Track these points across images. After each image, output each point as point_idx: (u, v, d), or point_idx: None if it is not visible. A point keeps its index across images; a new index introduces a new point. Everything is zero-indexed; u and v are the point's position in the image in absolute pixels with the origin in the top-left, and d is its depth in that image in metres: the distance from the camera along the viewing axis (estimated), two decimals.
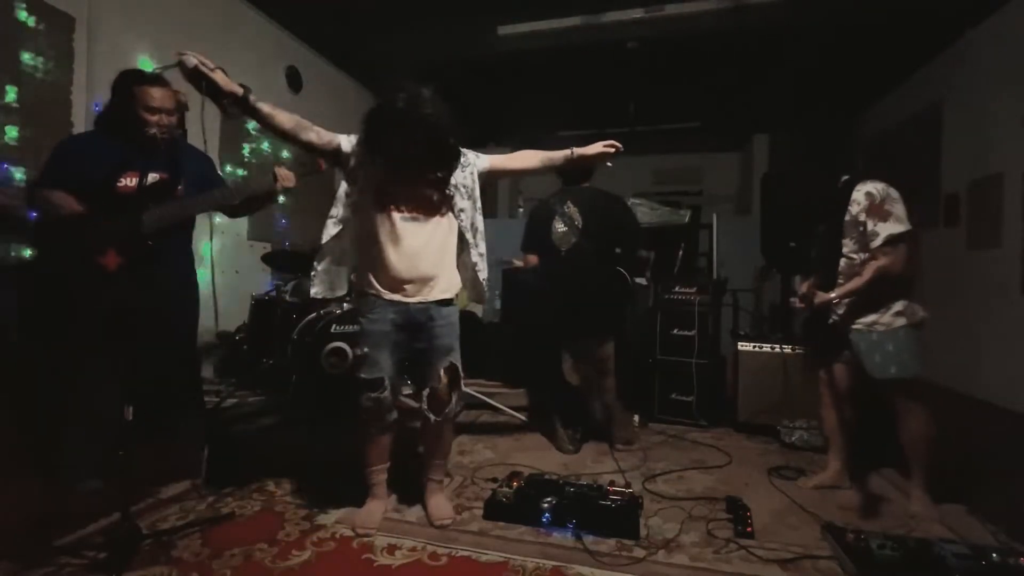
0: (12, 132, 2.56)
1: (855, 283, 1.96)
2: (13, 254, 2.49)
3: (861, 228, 1.97)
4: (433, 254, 1.81)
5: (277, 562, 1.56)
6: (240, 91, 1.64)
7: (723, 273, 4.34)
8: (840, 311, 2.05)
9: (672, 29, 4.20)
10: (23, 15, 2.62)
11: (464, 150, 1.84)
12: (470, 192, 1.87)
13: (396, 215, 1.76)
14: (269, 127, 1.71)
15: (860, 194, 1.98)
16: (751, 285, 4.50)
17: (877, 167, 5.19)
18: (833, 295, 2.00)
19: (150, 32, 3.29)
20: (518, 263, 2.90)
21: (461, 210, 1.85)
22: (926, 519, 1.94)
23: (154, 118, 1.98)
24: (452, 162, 1.79)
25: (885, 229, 1.90)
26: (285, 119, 1.71)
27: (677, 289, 3.30)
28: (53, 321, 1.96)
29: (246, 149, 4.10)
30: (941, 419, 1.98)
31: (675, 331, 3.26)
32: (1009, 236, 3.65)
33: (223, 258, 3.90)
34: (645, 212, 4.03)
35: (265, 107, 1.68)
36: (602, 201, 2.74)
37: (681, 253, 3.85)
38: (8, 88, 2.55)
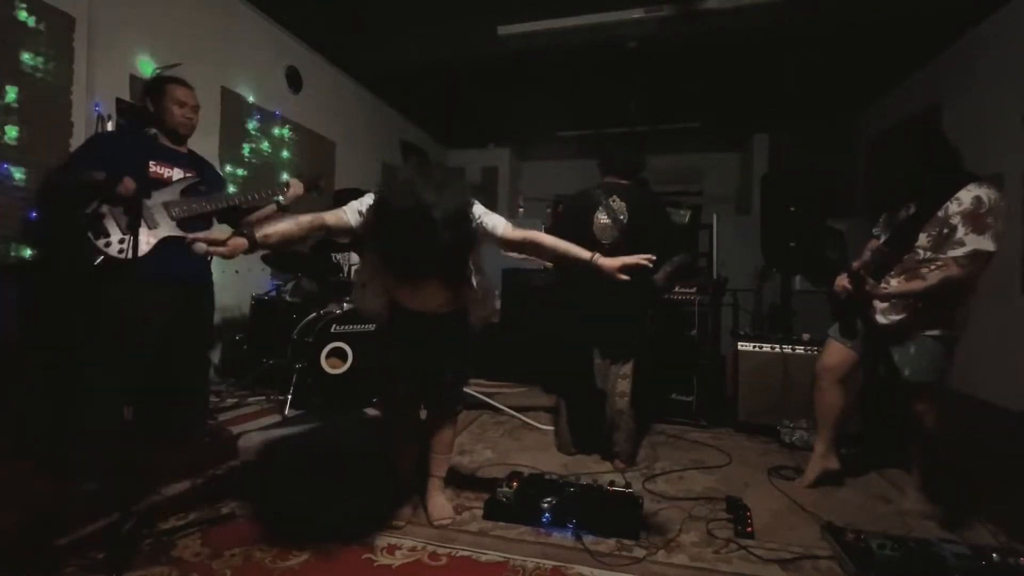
0: (12, 132, 2.56)
1: (916, 285, 1.84)
2: (13, 254, 2.49)
3: (947, 230, 1.81)
4: (444, 295, 1.73)
5: (277, 562, 1.56)
6: (245, 243, 1.48)
7: (723, 273, 4.34)
8: (881, 303, 1.96)
9: (672, 29, 4.20)
10: (23, 15, 2.62)
11: (474, 211, 1.59)
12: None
13: (407, 285, 1.66)
14: (288, 246, 1.62)
15: (968, 195, 1.78)
16: (751, 285, 4.50)
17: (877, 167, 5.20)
18: (890, 290, 1.89)
19: (150, 32, 3.29)
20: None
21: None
22: (917, 515, 1.96)
23: (181, 111, 2.23)
24: (464, 271, 1.66)
25: (974, 242, 1.75)
26: (295, 231, 1.56)
27: (677, 289, 3.31)
28: (55, 320, 1.97)
29: (246, 149, 4.09)
30: (940, 419, 1.97)
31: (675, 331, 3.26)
32: (1009, 236, 3.64)
33: (223, 258, 3.90)
34: None
35: (272, 236, 1.53)
36: (649, 201, 2.66)
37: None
38: (8, 88, 2.55)
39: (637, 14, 4.07)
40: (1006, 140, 3.69)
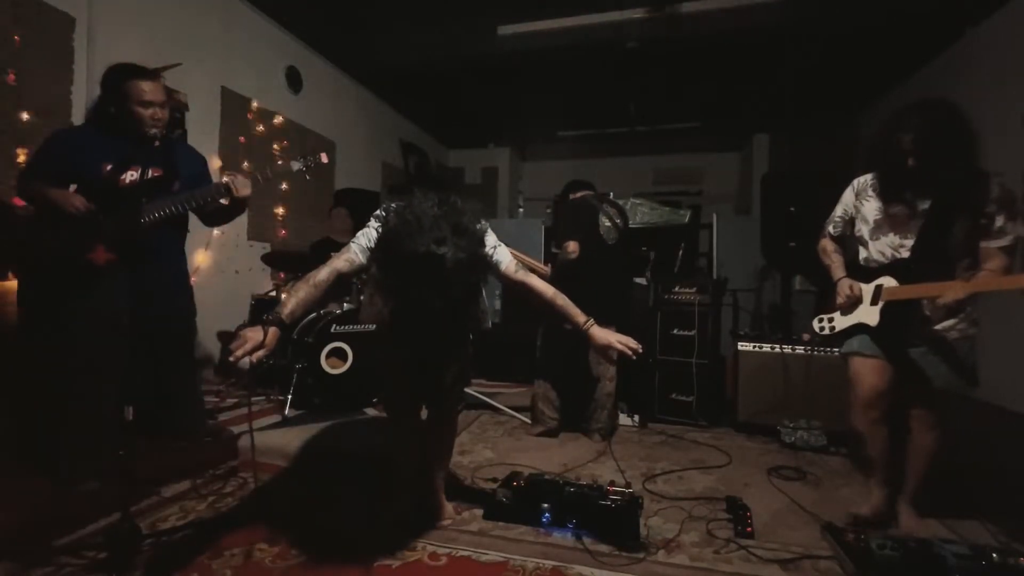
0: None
1: (1000, 280, 1.67)
2: None
3: (984, 220, 1.73)
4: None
5: (277, 562, 1.56)
6: (278, 330, 1.43)
7: (723, 273, 4.34)
8: (934, 311, 1.80)
9: (672, 29, 4.20)
10: (23, 15, 2.62)
11: (487, 240, 1.60)
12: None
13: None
14: (317, 308, 1.63)
15: (992, 183, 1.73)
16: (751, 285, 4.50)
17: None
18: (987, 286, 1.70)
19: (150, 32, 3.29)
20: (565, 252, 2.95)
21: None
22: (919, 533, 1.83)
23: (148, 112, 1.99)
24: (469, 305, 1.65)
25: (1015, 229, 1.72)
26: (317, 293, 1.53)
27: (677, 289, 3.31)
28: (48, 320, 1.96)
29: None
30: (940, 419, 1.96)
31: (675, 331, 3.26)
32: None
33: (223, 258, 3.90)
34: (645, 212, 4.04)
35: (298, 310, 1.51)
36: (621, 208, 3.13)
37: (681, 253, 3.86)
38: (7, 88, 2.55)
39: (637, 14, 4.08)
40: (1006, 140, 3.69)
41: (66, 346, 1.95)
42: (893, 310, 1.86)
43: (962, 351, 1.80)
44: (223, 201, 2.19)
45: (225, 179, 2.17)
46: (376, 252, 1.52)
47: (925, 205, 1.80)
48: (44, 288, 1.96)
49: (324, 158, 2.50)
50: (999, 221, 1.70)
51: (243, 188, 2.17)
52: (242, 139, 4.07)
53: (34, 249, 1.95)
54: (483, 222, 1.55)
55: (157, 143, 2.02)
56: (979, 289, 1.67)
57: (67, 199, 1.89)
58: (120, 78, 1.98)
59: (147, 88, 1.98)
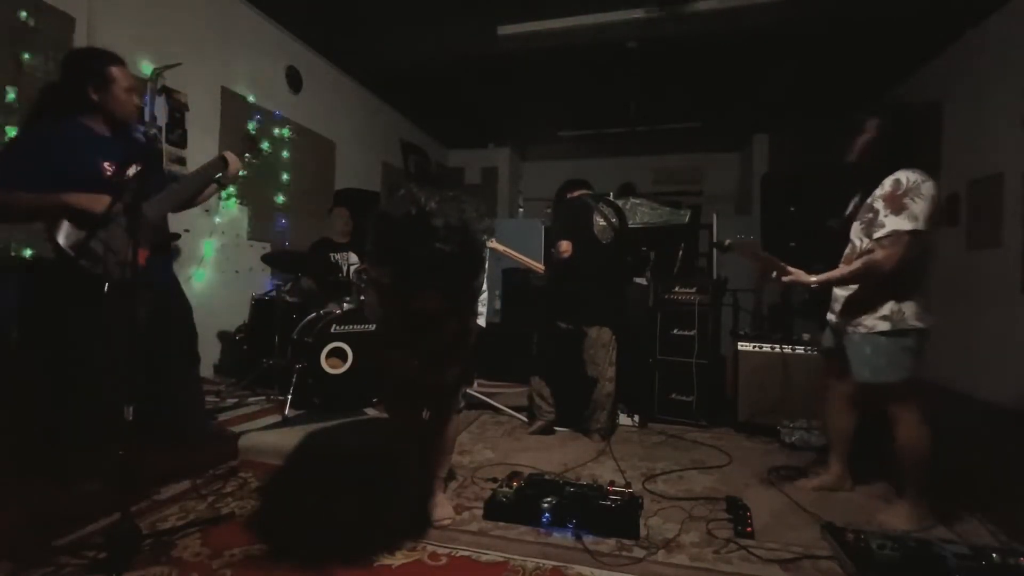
0: (12, 132, 2.56)
1: (838, 271, 1.90)
2: (14, 254, 2.49)
3: (871, 214, 1.82)
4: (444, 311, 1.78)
5: (277, 562, 1.56)
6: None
7: (723, 273, 4.34)
8: (836, 306, 2.03)
9: (672, 29, 4.20)
10: (23, 15, 2.62)
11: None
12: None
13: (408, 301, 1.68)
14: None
15: (890, 179, 1.80)
16: (751, 285, 4.50)
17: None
18: (813, 279, 1.91)
19: (150, 32, 3.29)
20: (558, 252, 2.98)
21: None
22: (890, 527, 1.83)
23: (130, 97, 1.92)
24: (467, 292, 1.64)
25: (893, 223, 1.74)
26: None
27: (677, 289, 3.31)
28: (57, 321, 1.95)
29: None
30: (940, 419, 1.96)
31: (675, 331, 3.26)
32: (1009, 236, 3.65)
33: (223, 258, 3.90)
34: (645, 212, 4.03)
35: None
36: (618, 206, 3.12)
37: (681, 253, 3.85)
38: (8, 88, 2.55)
39: (637, 14, 4.08)
40: (1006, 140, 3.69)
41: (72, 348, 1.94)
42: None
43: (872, 347, 1.86)
44: (219, 176, 2.16)
45: (225, 153, 2.17)
46: (371, 230, 1.47)
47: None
48: (57, 290, 1.93)
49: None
50: (881, 215, 1.78)
51: (235, 163, 2.17)
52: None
53: (92, 256, 1.82)
54: (488, 220, 1.51)
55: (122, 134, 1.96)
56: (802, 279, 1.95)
57: (95, 201, 1.77)
58: (103, 63, 1.88)
59: (127, 75, 1.91)
